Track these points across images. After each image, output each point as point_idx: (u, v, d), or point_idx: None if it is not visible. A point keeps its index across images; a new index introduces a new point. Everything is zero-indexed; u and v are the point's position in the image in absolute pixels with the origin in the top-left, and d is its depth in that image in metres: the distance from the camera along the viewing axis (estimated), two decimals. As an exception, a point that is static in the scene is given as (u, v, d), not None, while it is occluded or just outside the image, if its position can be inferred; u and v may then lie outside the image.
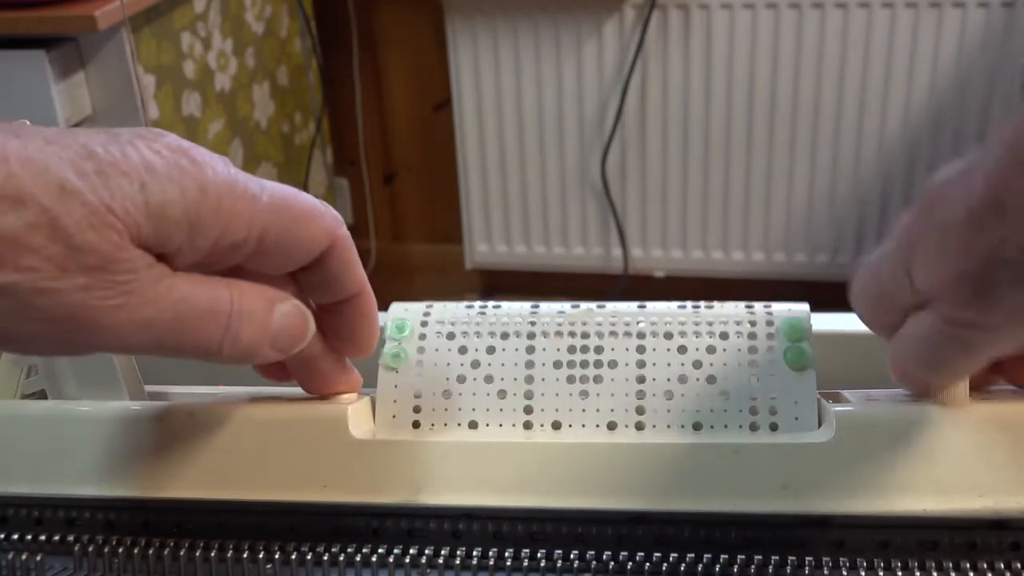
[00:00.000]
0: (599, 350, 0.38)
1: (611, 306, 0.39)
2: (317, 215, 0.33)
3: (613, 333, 0.38)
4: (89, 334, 0.28)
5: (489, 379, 0.38)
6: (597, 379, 0.37)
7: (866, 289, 0.36)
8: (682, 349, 0.37)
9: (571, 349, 0.38)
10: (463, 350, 0.38)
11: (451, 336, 0.39)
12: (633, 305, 0.39)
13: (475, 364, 0.38)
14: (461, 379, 0.38)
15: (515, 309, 0.39)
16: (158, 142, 0.29)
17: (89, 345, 0.29)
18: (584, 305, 0.39)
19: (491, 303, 0.40)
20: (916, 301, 0.33)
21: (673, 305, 0.39)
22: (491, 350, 0.38)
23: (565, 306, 0.39)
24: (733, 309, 0.38)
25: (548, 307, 0.39)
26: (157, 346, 0.30)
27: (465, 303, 0.40)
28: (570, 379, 0.38)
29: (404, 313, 0.40)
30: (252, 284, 0.32)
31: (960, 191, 0.29)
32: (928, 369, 0.33)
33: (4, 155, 0.27)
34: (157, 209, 0.28)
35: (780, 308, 0.38)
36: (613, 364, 0.37)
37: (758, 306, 0.38)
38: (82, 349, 0.29)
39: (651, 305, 0.39)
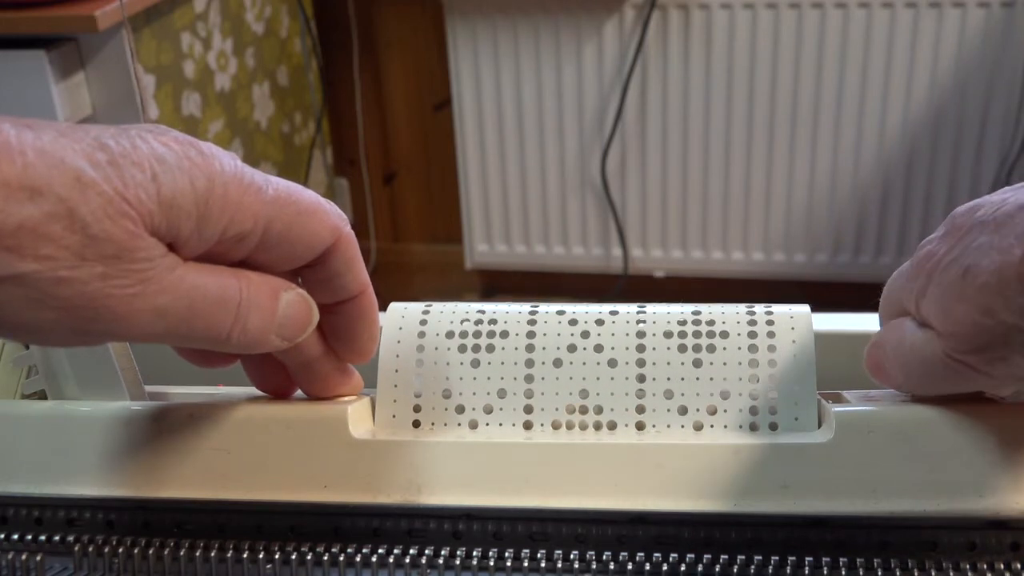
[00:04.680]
0: (599, 349, 0.38)
1: (611, 306, 0.39)
2: (322, 211, 0.33)
3: (613, 334, 0.38)
4: (106, 322, 0.29)
5: (489, 379, 0.38)
6: (597, 379, 0.37)
7: (889, 308, 0.37)
8: (682, 348, 0.37)
9: (571, 348, 0.38)
10: (462, 349, 0.38)
11: (450, 335, 0.39)
12: (633, 306, 0.39)
13: (475, 363, 0.38)
14: (461, 379, 0.38)
15: (514, 308, 0.39)
16: (166, 135, 0.30)
17: (105, 334, 0.29)
18: (583, 305, 0.39)
19: (491, 303, 0.40)
20: (918, 320, 0.33)
21: (674, 306, 0.39)
22: (491, 349, 0.38)
23: (565, 306, 0.39)
24: (734, 310, 0.38)
25: (547, 307, 0.39)
26: (169, 334, 0.30)
27: (464, 303, 0.40)
28: (570, 379, 0.38)
29: (403, 312, 0.40)
30: (258, 273, 0.33)
31: (995, 248, 0.29)
32: (918, 386, 0.34)
33: (21, 147, 0.27)
34: (168, 199, 0.29)
35: (781, 310, 0.38)
36: (613, 363, 0.37)
37: (759, 307, 0.38)
38: (97, 338, 0.30)
39: (651, 306, 0.39)
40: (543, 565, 0.35)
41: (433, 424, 0.38)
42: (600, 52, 1.92)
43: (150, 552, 0.37)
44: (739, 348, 0.37)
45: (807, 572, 0.34)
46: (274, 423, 0.36)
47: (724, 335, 0.37)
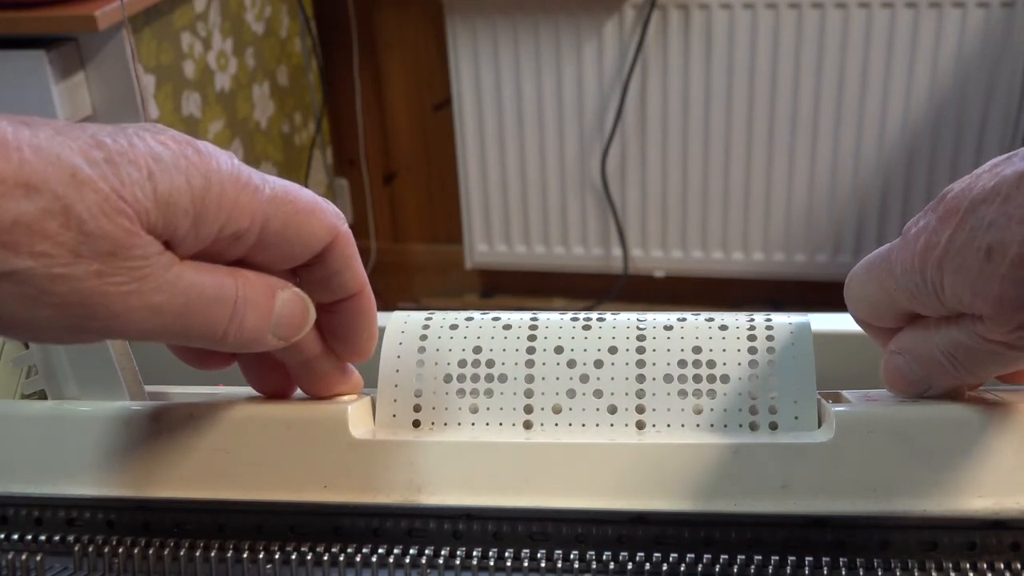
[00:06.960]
0: (598, 395, 0.37)
1: (611, 333, 0.38)
2: (319, 210, 0.33)
3: (612, 377, 0.38)
4: (101, 319, 0.29)
5: (489, 379, 0.38)
6: (597, 380, 0.37)
7: (865, 290, 0.36)
8: (682, 394, 0.37)
9: (571, 349, 0.38)
10: (463, 350, 0.38)
11: (451, 337, 0.39)
12: (634, 329, 0.38)
13: (475, 364, 0.38)
14: (461, 379, 0.38)
15: (511, 343, 0.39)
16: (163, 134, 0.30)
17: (100, 330, 0.29)
18: (581, 325, 0.39)
19: (489, 316, 0.39)
20: (943, 313, 0.32)
21: (675, 334, 0.38)
22: (491, 350, 0.38)
23: (562, 328, 0.39)
24: (734, 340, 0.38)
25: (545, 333, 0.39)
26: (165, 332, 0.30)
27: (464, 318, 0.39)
28: (570, 379, 0.38)
29: (406, 319, 0.40)
30: (254, 272, 0.33)
31: (1013, 219, 0.28)
32: (962, 375, 0.33)
33: (17, 144, 0.27)
34: (165, 197, 0.29)
35: (780, 318, 0.38)
36: (613, 364, 0.37)
37: (759, 316, 0.38)
38: (93, 335, 0.30)
39: (651, 322, 0.39)
40: (543, 565, 0.35)
41: (433, 424, 0.38)
42: (600, 52, 1.92)
43: (150, 552, 0.37)
44: (738, 350, 0.37)
45: (807, 572, 0.34)
46: (274, 423, 0.36)
47: (725, 379, 0.37)
